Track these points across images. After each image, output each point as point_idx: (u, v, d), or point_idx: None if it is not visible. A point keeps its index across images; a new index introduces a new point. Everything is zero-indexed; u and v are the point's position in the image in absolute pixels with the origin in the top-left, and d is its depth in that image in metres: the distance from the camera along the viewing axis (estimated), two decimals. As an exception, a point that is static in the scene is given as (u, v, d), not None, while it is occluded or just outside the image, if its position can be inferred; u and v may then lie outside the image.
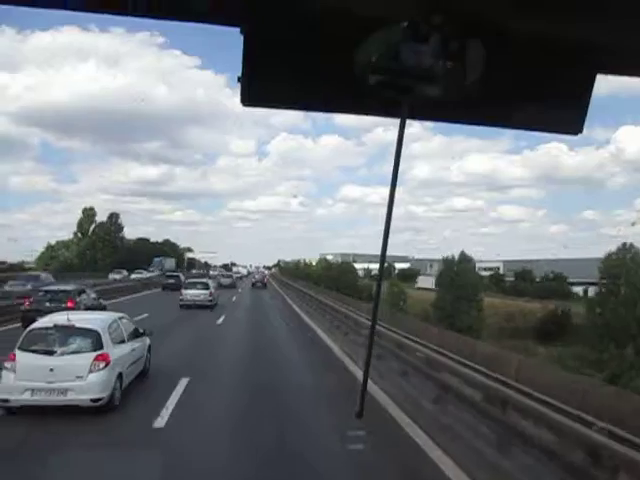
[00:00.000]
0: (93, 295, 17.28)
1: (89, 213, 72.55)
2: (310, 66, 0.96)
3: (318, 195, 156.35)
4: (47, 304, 14.60)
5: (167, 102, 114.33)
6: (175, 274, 41.12)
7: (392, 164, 1.01)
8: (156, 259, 67.44)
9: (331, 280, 50.71)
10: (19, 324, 13.97)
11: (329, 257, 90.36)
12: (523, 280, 59.98)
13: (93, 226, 70.63)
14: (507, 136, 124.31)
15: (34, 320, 7.79)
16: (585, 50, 0.96)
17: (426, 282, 66.71)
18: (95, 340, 7.37)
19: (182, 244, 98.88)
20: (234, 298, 31.87)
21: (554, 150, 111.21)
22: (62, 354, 7.21)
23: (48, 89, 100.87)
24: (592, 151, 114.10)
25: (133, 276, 48.23)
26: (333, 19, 0.91)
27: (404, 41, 0.85)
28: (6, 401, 6.90)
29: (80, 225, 71.61)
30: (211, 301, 23.97)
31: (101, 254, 68.92)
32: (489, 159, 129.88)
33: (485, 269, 67.65)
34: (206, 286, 24.73)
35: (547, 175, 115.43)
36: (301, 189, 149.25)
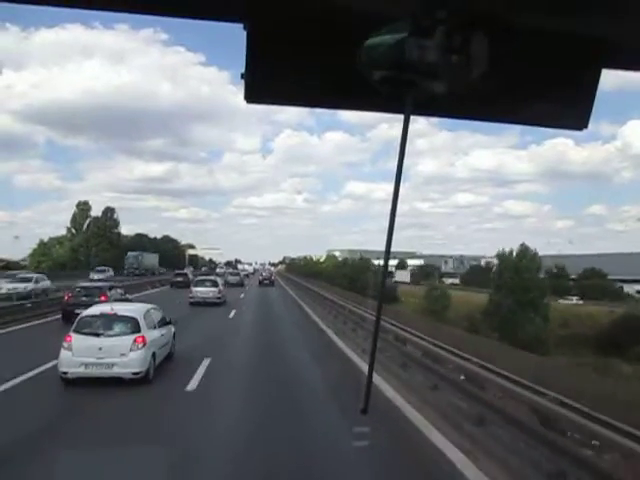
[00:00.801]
0: (120, 291, 21.75)
1: (83, 207, 73.08)
2: (314, 62, 1.04)
3: (323, 191, 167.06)
4: (83, 298, 17.81)
5: (172, 99, 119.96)
6: (183, 272, 45.71)
7: (397, 160, 1.06)
8: (131, 254, 61.40)
9: (347, 279, 49.84)
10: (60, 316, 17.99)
11: (336, 253, 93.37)
12: (557, 277, 56.82)
13: (88, 221, 72.14)
14: (513, 131, 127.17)
15: (73, 312, 10.55)
16: (591, 45, 1.03)
17: (402, 276, 76.46)
18: (134, 325, 9.81)
19: (187, 241, 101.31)
20: (242, 295, 34.32)
21: (560, 145, 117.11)
22: (108, 336, 9.63)
23: (53, 87, 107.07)
24: (598, 146, 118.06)
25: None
26: (336, 15, 0.99)
27: (408, 37, 0.91)
28: (65, 373, 9.29)
29: (74, 220, 72.40)
30: (219, 298, 26.37)
31: (95, 251, 68.78)
32: (494, 154, 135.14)
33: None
34: (215, 284, 27.38)
35: (553, 170, 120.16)
36: (306, 185, 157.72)
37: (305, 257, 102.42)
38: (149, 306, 11.43)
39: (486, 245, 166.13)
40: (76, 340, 9.67)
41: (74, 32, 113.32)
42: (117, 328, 9.92)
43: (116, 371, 9.49)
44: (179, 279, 40.04)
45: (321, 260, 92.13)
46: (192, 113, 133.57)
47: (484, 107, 1.12)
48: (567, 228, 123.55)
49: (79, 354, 9.53)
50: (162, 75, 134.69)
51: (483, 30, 0.92)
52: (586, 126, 1.16)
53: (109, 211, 75.90)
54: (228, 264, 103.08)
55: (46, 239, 70.92)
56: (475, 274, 74.60)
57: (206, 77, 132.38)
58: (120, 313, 10.19)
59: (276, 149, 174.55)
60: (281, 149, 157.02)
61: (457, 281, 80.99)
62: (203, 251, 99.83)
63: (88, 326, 9.92)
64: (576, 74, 1.09)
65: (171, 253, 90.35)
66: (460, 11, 0.92)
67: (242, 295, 34.79)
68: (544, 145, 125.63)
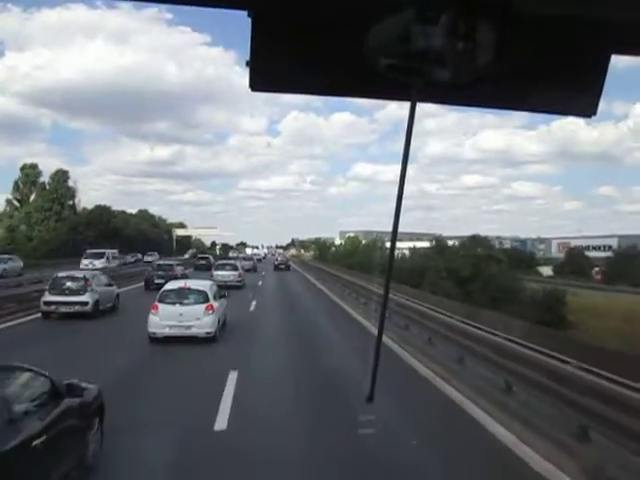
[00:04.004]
0: (182, 267, 31.03)
1: (28, 172, 60.34)
2: (320, 50, 1.05)
3: (330, 173, 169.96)
4: (160, 272, 26.07)
5: (177, 80, 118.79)
6: (205, 256, 51.08)
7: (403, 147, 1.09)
8: None
9: (407, 273, 33.38)
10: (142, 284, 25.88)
11: (351, 235, 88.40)
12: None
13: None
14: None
15: (153, 282, 14.12)
16: (599, 30, 1.02)
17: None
18: (204, 296, 13.19)
19: (197, 224, 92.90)
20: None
21: (570, 125, 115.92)
22: (186, 305, 13.11)
23: (57, 68, 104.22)
24: (610, 126, 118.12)
25: None
26: (342, 2, 1.01)
27: (415, 24, 0.93)
28: (154, 334, 12.68)
29: (16, 188, 60.10)
30: (240, 282, 28.89)
31: (38, 231, 56.68)
32: (504, 135, 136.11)
33: (593, 248, 60.16)
34: (235, 267, 30.51)
35: (563, 151, 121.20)
36: (313, 167, 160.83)
37: (318, 239, 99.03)
38: (211, 282, 14.84)
39: (494, 227, 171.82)
40: (161, 307, 12.97)
41: (77, 12, 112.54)
42: (192, 298, 13.32)
43: (194, 331, 12.91)
44: (202, 262, 44.69)
45: (336, 242, 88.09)
46: (198, 94, 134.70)
47: (491, 94, 1.15)
48: (576, 210, 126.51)
49: (164, 318, 12.88)
50: (167, 56, 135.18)
51: (489, 16, 0.94)
52: (595, 113, 1.16)
53: (60, 174, 62.15)
54: (224, 248, 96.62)
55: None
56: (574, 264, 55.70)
57: (212, 58, 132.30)
58: (193, 287, 13.61)
59: (283, 131, 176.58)
60: (288, 131, 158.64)
61: (550, 271, 60.11)
62: (195, 231, 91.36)
63: (169, 297, 13.25)
64: (585, 60, 1.09)
65: (149, 234, 76.67)
66: None
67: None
68: (554, 125, 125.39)
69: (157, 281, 17.56)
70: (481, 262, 33.00)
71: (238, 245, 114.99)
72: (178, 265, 30.46)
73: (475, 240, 41.99)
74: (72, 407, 5.11)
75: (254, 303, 21.31)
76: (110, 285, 19.13)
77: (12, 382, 4.66)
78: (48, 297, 16.64)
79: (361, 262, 43.57)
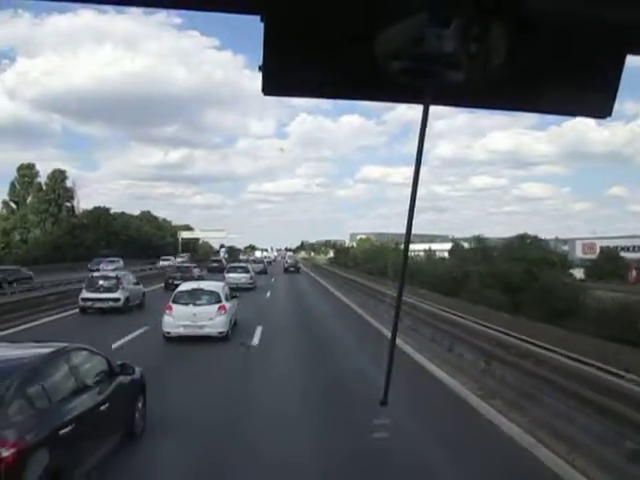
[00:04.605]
0: (198, 269, 33.26)
1: (25, 173, 58.02)
2: (332, 54, 1.06)
3: (339, 176, 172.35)
4: (179, 274, 28.61)
5: (186, 84, 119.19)
6: (219, 259, 52.79)
7: (414, 143, 1.08)
8: None
9: (441, 280, 29.17)
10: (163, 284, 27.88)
11: (362, 237, 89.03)
12: None
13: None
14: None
15: (173, 282, 14.91)
16: (614, 30, 1.01)
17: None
18: (217, 297, 13.84)
19: (203, 227, 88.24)
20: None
21: (581, 125, 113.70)
22: (199, 305, 13.73)
23: (67, 74, 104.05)
24: (621, 126, 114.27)
25: None
26: (354, 6, 1.01)
27: (427, 27, 0.94)
28: (168, 333, 13.30)
29: (13, 191, 58.43)
30: (251, 284, 29.88)
31: (35, 234, 54.73)
32: (513, 135, 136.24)
33: (622, 249, 54.69)
34: (246, 270, 31.51)
35: (573, 151, 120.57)
36: (322, 170, 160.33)
37: (327, 242, 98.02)
38: (223, 283, 15.40)
39: (503, 228, 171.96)
40: (176, 308, 13.53)
41: (86, 18, 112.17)
42: (205, 299, 13.93)
43: (207, 331, 13.50)
44: (214, 265, 46.01)
45: (347, 245, 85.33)
46: (207, 98, 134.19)
47: (504, 96, 1.15)
48: (587, 211, 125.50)
49: (178, 319, 13.46)
50: (176, 60, 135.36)
51: (502, 19, 0.95)
52: (610, 114, 1.16)
53: (58, 176, 59.81)
54: (231, 251, 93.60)
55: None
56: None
57: (221, 61, 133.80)
58: (206, 288, 14.25)
59: (292, 134, 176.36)
60: (296, 134, 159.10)
61: (581, 274, 50.74)
62: (202, 233, 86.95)
63: (183, 298, 13.82)
64: (599, 61, 1.08)
65: (153, 237, 72.50)
66: (479, 0, 0.93)
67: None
68: (564, 126, 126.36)
69: (177, 282, 19.47)
70: (534, 267, 28.59)
71: (246, 248, 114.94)
72: (195, 267, 33.39)
73: (524, 240, 36.48)
74: (125, 383, 6.08)
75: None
76: (138, 284, 21.45)
77: (82, 359, 5.51)
78: (85, 294, 18.91)
79: (382, 267, 38.27)
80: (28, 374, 4.52)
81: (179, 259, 54.74)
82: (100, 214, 63.22)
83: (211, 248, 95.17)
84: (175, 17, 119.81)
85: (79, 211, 63.84)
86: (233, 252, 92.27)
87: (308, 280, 43.61)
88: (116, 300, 18.60)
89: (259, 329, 15.20)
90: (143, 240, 67.63)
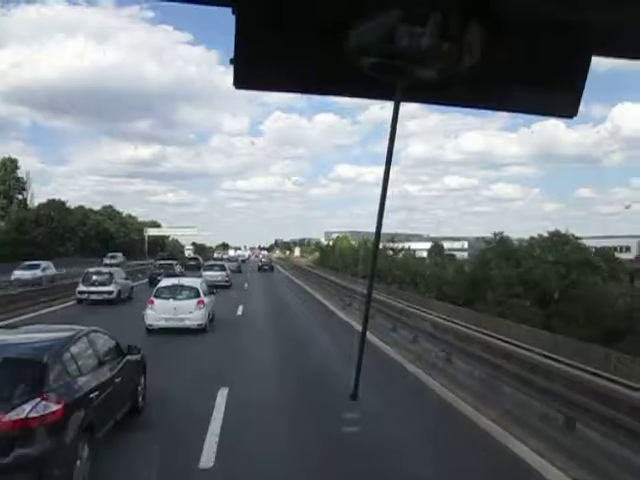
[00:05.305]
0: (179, 267, 35.23)
1: None
2: (303, 48, 1.05)
3: (313, 175, 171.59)
4: (161, 270, 30.75)
5: (159, 79, 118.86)
6: (195, 257, 52.87)
7: (387, 143, 1.09)
8: None
9: (452, 286, 26.40)
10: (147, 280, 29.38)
11: (334, 236, 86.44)
12: None
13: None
14: (504, 113, 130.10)
15: (157, 278, 16.46)
16: (580, 31, 1.04)
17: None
18: (196, 292, 14.98)
19: (179, 225, 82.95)
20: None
21: (551, 127, 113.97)
22: (179, 299, 14.89)
23: (35, 66, 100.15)
24: (589, 129, 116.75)
25: None
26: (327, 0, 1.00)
27: (400, 23, 0.94)
28: (151, 325, 14.47)
29: None
30: (227, 281, 30.97)
31: None
32: (485, 137, 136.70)
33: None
34: (223, 268, 32.52)
35: (543, 153, 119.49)
36: (296, 168, 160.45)
37: (302, 240, 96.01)
38: (201, 280, 16.57)
39: (473, 228, 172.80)
40: (157, 302, 14.63)
41: (56, 8, 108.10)
42: (184, 294, 15.07)
43: (187, 323, 14.68)
44: (191, 263, 46.27)
45: (324, 242, 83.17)
46: (179, 94, 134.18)
47: (474, 94, 1.16)
48: (556, 211, 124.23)
49: (160, 312, 14.56)
50: (148, 55, 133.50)
51: (474, 18, 0.95)
52: (576, 114, 1.19)
53: (9, 165, 54.55)
54: (199, 249, 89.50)
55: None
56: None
57: (194, 57, 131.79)
58: (185, 284, 15.35)
59: (266, 131, 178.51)
60: (271, 131, 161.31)
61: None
62: (172, 230, 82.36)
63: (164, 293, 14.93)
64: (565, 61, 1.10)
65: (114, 233, 67.74)
66: None
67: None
68: (534, 128, 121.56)
69: (159, 278, 21.06)
70: (573, 271, 23.35)
71: (218, 246, 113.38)
72: (176, 265, 35.61)
73: (560, 239, 28.73)
74: (132, 361, 7.26)
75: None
76: (127, 279, 24.16)
77: (99, 340, 6.70)
78: (82, 287, 21.39)
79: (383, 270, 33.56)
80: (64, 349, 5.68)
81: (109, 260, 45.77)
82: (54, 208, 57.21)
83: (183, 246, 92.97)
84: (147, 11, 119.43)
85: (33, 205, 58.82)
86: (203, 251, 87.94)
87: (296, 290, 33.98)
88: (110, 293, 21.14)
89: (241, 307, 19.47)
90: (103, 237, 64.04)
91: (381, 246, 43.60)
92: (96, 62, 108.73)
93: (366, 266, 34.65)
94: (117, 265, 34.22)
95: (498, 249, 29.71)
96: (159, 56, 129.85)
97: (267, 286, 34.83)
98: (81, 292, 21.29)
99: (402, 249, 51.75)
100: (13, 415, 4.73)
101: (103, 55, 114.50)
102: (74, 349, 5.88)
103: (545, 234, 30.31)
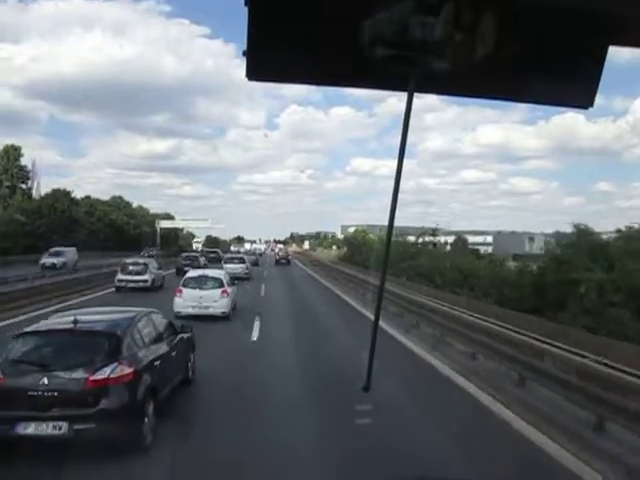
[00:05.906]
0: (203, 259, 36.64)
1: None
2: (317, 39, 1.06)
3: (329, 168, 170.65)
4: (187, 262, 32.50)
5: (176, 73, 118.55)
6: (215, 250, 52.19)
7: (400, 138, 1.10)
8: None
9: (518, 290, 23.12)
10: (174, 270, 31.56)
11: (351, 229, 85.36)
12: None
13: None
14: (521, 106, 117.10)
15: (183, 269, 19.98)
16: (597, 21, 1.02)
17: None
18: (220, 282, 16.21)
19: (194, 218, 76.59)
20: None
21: (570, 120, 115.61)
22: (205, 289, 16.06)
23: (53, 61, 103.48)
24: (609, 122, 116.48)
25: None
26: None
27: (413, 13, 0.94)
28: (179, 312, 15.62)
29: None
30: (247, 274, 32.14)
31: None
32: (502, 130, 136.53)
33: None
34: (242, 261, 33.83)
35: (562, 146, 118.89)
36: (312, 161, 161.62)
37: (318, 233, 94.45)
38: (224, 271, 17.79)
39: (490, 222, 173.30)
40: (185, 292, 15.81)
41: (74, 3, 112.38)
42: (210, 284, 16.29)
43: (211, 311, 15.87)
44: (212, 255, 46.76)
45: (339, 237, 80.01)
46: (197, 88, 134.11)
47: (488, 85, 1.16)
48: (575, 205, 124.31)
49: (187, 300, 15.75)
50: (165, 48, 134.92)
51: (488, 8, 0.95)
52: (592, 104, 1.18)
53: (12, 152, 51.79)
54: (211, 241, 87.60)
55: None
56: None
57: (211, 50, 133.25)
58: (210, 275, 16.61)
59: (282, 125, 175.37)
60: (287, 125, 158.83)
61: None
62: (185, 223, 78.59)
63: (191, 283, 16.16)
64: (582, 52, 1.09)
65: (123, 226, 63.90)
66: None
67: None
68: (553, 121, 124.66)
69: (186, 269, 23.57)
70: None
71: (233, 240, 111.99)
72: (201, 257, 37.54)
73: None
74: (183, 339, 8.45)
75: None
76: (160, 269, 26.84)
77: (157, 319, 7.88)
78: (120, 276, 24.19)
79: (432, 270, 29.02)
80: (132, 326, 6.85)
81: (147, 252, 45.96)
82: (58, 198, 53.29)
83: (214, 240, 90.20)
84: (164, 4, 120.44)
85: (39, 194, 55.67)
86: (217, 244, 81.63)
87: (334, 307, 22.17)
88: (145, 281, 23.93)
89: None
90: (112, 229, 60.08)
91: (420, 240, 42.76)
92: (113, 56, 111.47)
93: (409, 264, 33.46)
94: (152, 257, 35.71)
95: (583, 245, 23.69)
96: (176, 50, 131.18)
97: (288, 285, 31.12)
98: (120, 280, 23.96)
99: (445, 243, 47.68)
100: (98, 375, 5.86)
101: (120, 49, 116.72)
102: (140, 325, 7.04)
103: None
